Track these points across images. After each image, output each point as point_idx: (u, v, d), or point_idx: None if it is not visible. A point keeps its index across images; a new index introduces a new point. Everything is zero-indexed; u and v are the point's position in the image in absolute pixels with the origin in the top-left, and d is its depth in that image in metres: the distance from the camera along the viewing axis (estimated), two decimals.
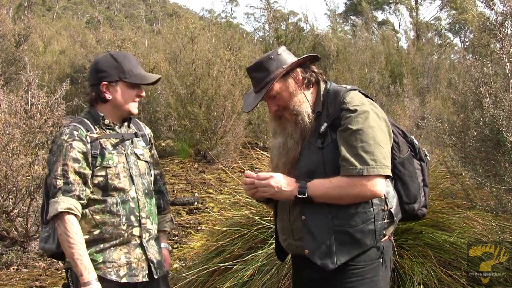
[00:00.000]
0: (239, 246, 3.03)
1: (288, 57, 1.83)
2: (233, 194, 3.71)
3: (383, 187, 1.67)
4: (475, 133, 2.86)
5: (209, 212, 4.55)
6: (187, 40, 8.20)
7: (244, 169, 6.01)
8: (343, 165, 1.66)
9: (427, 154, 2.00)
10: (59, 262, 4.26)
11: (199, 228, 4.91)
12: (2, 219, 4.20)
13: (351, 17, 24.45)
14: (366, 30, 13.06)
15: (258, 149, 5.43)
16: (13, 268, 4.12)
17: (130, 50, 8.96)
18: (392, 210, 1.77)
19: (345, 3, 26.20)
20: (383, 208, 1.73)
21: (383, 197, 1.73)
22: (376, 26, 20.03)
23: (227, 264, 2.98)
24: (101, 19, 12.31)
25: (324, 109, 1.80)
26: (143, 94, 2.05)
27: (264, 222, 3.04)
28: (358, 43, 11.63)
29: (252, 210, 3.23)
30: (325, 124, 1.74)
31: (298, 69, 1.83)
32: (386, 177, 1.69)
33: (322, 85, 1.86)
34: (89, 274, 1.80)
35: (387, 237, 1.78)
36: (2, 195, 4.09)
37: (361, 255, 1.71)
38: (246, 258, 2.92)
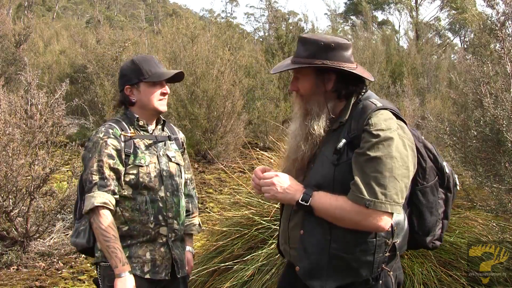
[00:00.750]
0: (239, 246, 3.03)
1: (336, 56, 1.63)
2: (233, 194, 3.71)
3: (387, 223, 1.52)
4: (475, 133, 2.86)
5: (209, 212, 4.55)
6: (187, 40, 8.20)
7: (244, 169, 6.00)
8: (353, 189, 1.52)
9: (458, 184, 1.82)
10: (59, 262, 4.27)
11: None
12: (2, 219, 4.19)
13: (351, 17, 24.49)
14: (366, 30, 13.07)
15: (258, 149, 5.42)
16: (13, 268, 4.11)
17: (130, 50, 8.96)
18: (396, 244, 1.62)
19: (345, 3, 26.24)
20: (387, 241, 1.60)
21: (390, 229, 1.59)
22: (376, 26, 20.06)
23: (227, 264, 2.98)
24: (101, 19, 12.32)
25: (348, 121, 1.63)
26: (167, 90, 2.11)
27: (264, 222, 3.04)
28: (358, 43, 11.63)
29: (252, 210, 3.23)
30: (344, 141, 1.58)
31: (336, 76, 1.65)
32: (389, 214, 1.52)
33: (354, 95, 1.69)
34: (123, 266, 1.85)
35: (386, 270, 1.63)
36: (2, 195, 4.09)
37: (355, 284, 1.60)
38: (246, 258, 2.92)
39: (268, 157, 3.91)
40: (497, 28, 2.80)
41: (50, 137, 4.30)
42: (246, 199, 3.36)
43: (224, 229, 3.26)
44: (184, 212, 2.19)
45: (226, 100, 7.51)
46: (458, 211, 2.95)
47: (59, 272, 4.09)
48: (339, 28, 17.55)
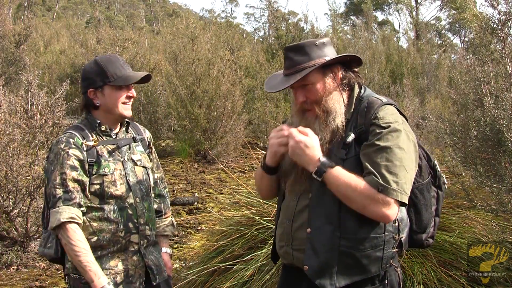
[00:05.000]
0: (239, 246, 3.03)
1: (331, 51, 1.67)
2: (233, 194, 3.71)
3: (395, 213, 1.53)
4: (476, 133, 2.86)
5: (209, 212, 4.55)
6: (187, 40, 8.20)
7: (244, 169, 6.00)
8: (369, 174, 1.53)
9: (446, 183, 1.87)
10: None
11: (199, 228, 4.91)
12: (2, 219, 4.19)
13: (351, 17, 24.50)
14: (366, 30, 13.07)
15: (258, 149, 5.43)
16: (13, 268, 4.11)
17: (130, 50, 8.96)
18: (402, 239, 1.66)
19: (345, 3, 26.26)
20: (394, 236, 1.62)
21: (397, 225, 1.62)
22: (376, 26, 20.06)
23: (227, 264, 2.98)
24: (102, 19, 12.31)
25: (353, 117, 1.64)
26: (133, 94, 2.01)
27: (264, 222, 3.04)
28: (358, 43, 11.63)
29: (252, 210, 3.23)
30: (352, 135, 1.60)
31: (339, 66, 1.67)
32: (401, 204, 1.54)
33: (356, 89, 1.70)
34: (99, 279, 1.80)
35: (393, 266, 1.66)
36: (2, 195, 4.09)
37: (366, 280, 1.61)
38: (246, 258, 2.92)
39: None
40: (498, 28, 2.80)
41: (50, 137, 4.29)
42: (246, 199, 3.35)
43: (224, 229, 3.26)
44: (156, 215, 2.14)
45: (226, 100, 7.50)
46: (458, 211, 2.95)
47: (59, 272, 4.09)
48: (339, 28, 17.55)
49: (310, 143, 1.58)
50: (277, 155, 1.69)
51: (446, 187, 1.90)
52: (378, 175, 1.51)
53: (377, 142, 1.54)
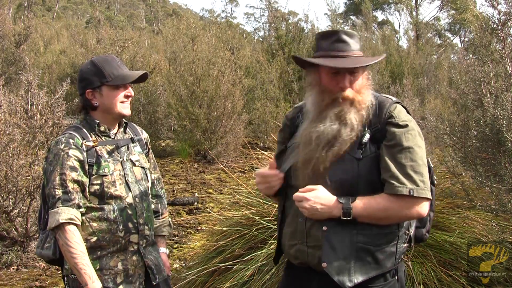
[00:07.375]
0: (239, 246, 3.03)
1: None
2: (233, 194, 3.71)
3: (427, 209, 1.61)
4: (475, 133, 2.86)
5: (209, 212, 4.55)
6: (188, 40, 8.20)
7: (244, 169, 6.00)
8: (391, 182, 1.56)
9: (436, 179, 1.91)
10: None
11: (199, 228, 4.91)
12: (2, 219, 4.20)
13: (351, 17, 24.51)
14: (366, 30, 13.07)
15: (258, 149, 5.43)
16: (13, 268, 4.11)
17: (131, 50, 8.96)
18: (411, 234, 1.72)
19: (345, 3, 26.26)
20: (406, 231, 1.68)
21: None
22: (376, 26, 20.06)
23: (227, 264, 2.98)
24: (102, 19, 12.31)
25: (365, 116, 1.68)
26: (131, 93, 2.02)
27: (264, 222, 3.03)
28: None
29: (252, 210, 3.23)
30: (368, 135, 1.63)
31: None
32: (428, 199, 1.61)
33: None
34: (93, 283, 1.80)
35: (403, 261, 1.73)
36: (2, 195, 4.09)
37: (378, 276, 1.64)
38: (246, 258, 2.92)
39: (268, 157, 3.91)
40: (498, 28, 2.80)
41: (50, 137, 4.29)
42: (246, 199, 3.35)
43: (224, 229, 3.26)
44: (154, 215, 2.15)
45: (226, 100, 7.51)
46: (458, 211, 2.95)
47: (59, 272, 4.09)
48: (339, 28, 17.54)
49: (322, 194, 1.60)
50: (270, 193, 1.78)
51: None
52: (403, 178, 1.55)
53: (399, 143, 1.59)
